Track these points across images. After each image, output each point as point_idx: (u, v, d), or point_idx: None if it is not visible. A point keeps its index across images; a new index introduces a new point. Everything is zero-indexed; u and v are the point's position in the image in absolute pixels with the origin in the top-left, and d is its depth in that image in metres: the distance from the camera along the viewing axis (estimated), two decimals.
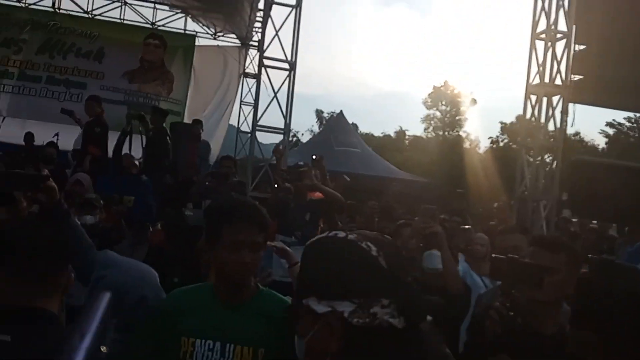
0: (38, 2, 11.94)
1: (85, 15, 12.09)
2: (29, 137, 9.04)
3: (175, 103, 11.71)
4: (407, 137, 35.69)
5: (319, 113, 36.04)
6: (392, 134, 35.82)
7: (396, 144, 32.61)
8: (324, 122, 32.35)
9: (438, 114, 34.23)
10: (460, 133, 32.67)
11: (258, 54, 8.22)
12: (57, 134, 8.80)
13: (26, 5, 11.87)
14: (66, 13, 11.98)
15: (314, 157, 4.36)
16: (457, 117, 33.29)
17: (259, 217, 1.57)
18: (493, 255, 1.90)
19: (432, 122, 34.38)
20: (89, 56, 11.47)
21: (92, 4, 12.13)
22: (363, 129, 33.30)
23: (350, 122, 17.67)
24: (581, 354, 1.07)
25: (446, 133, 32.88)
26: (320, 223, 4.14)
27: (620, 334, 0.97)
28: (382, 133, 36.64)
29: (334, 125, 13.38)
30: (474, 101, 33.53)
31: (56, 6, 11.90)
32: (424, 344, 0.93)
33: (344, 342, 0.90)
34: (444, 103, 33.77)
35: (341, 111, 13.75)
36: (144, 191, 5.12)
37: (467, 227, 4.67)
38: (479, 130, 48.54)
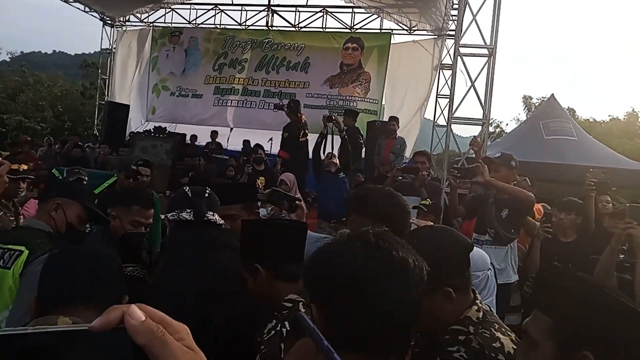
0: (255, 23, 13.67)
1: (293, 29, 13.33)
2: (246, 143, 10.49)
3: (372, 102, 12.03)
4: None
5: (526, 99, 32.93)
6: (622, 118, 30.58)
7: (627, 129, 27.74)
8: (533, 108, 29.40)
9: None
10: None
11: (454, 43, 7.86)
12: (271, 139, 9.95)
13: (246, 27, 13.68)
14: (277, 29, 13.41)
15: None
16: None
17: None
18: None
19: None
20: (297, 68, 12.63)
21: (299, 17, 13.32)
22: (582, 114, 29.26)
23: (565, 106, 15.64)
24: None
25: None
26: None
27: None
28: (609, 117, 31.59)
29: (544, 112, 11.94)
30: None
31: (269, 24, 13.43)
32: None
33: None
34: None
35: (552, 95, 12.19)
36: (340, 188, 5.34)
37: None
38: None
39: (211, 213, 1.93)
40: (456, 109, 7.43)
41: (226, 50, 13.28)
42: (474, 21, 7.46)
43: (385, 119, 9.97)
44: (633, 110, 30.26)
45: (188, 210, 1.90)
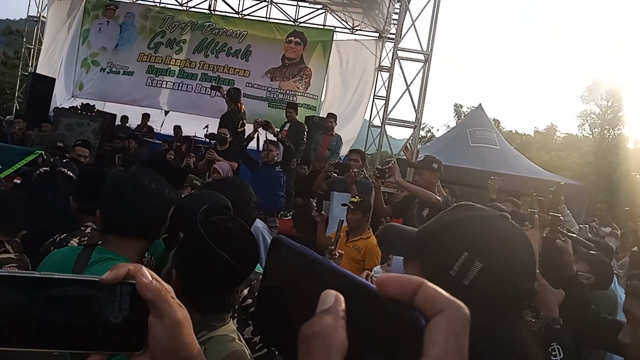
0: (197, 5, 13.28)
1: (236, 15, 13.09)
2: (177, 129, 10.27)
3: (311, 98, 12.12)
4: (557, 135, 32.46)
5: (457, 107, 34.54)
6: (541, 131, 32.87)
7: (544, 142, 29.87)
8: (463, 116, 30.90)
9: (597, 109, 30.50)
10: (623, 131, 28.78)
11: (393, 46, 8.12)
12: (207, 126, 9.74)
13: (187, 8, 13.26)
14: (220, 14, 13.12)
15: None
16: (620, 113, 29.34)
17: None
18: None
19: (588, 118, 30.75)
20: (238, 55, 12.42)
21: (243, 4, 13.11)
22: (506, 125, 31.15)
23: (491, 117, 16.55)
24: None
25: (605, 131, 29.18)
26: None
27: None
28: (534, 129, 33.82)
29: (472, 120, 12.60)
30: None
31: (212, 8, 13.11)
32: None
33: None
34: (604, 97, 29.98)
35: (480, 105, 12.88)
36: (274, 182, 5.35)
37: None
38: None
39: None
40: (391, 111, 7.67)
41: (164, 30, 12.79)
42: (412, 26, 7.72)
43: (324, 115, 10.10)
44: (552, 124, 32.68)
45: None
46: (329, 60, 12.21)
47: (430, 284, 0.31)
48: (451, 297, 0.30)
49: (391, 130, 8.35)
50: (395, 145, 8.69)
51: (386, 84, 11.94)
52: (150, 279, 0.46)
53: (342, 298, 0.32)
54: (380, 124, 11.81)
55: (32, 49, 14.00)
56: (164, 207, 1.47)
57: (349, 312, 0.32)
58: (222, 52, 12.48)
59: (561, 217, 2.02)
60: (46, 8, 13.77)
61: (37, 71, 13.14)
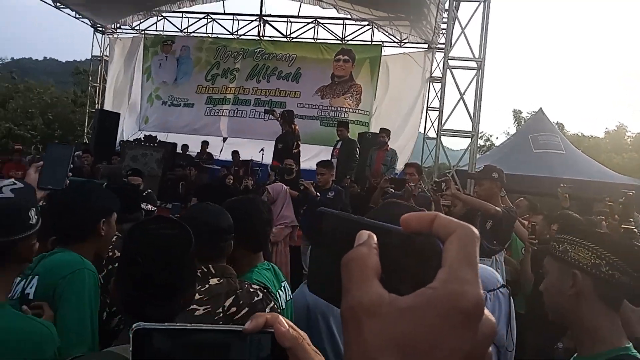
0: (247, 32, 13.73)
1: (284, 39, 13.40)
2: (235, 154, 10.61)
3: (363, 114, 12.10)
4: (627, 135, 30.41)
5: (516, 113, 33.25)
6: (611, 132, 30.96)
7: (614, 144, 28.10)
8: (523, 122, 29.67)
9: None
10: None
11: (443, 56, 7.97)
12: (262, 149, 9.94)
13: (238, 37, 13.73)
14: (269, 39, 13.48)
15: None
16: None
17: None
18: None
19: None
20: (288, 78, 12.68)
21: (290, 27, 13.41)
22: (571, 128, 29.60)
23: (554, 121, 15.80)
24: None
25: None
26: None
27: None
28: (603, 131, 31.94)
29: (533, 125, 12.07)
30: None
31: (261, 34, 13.51)
32: None
33: None
34: None
35: (540, 109, 12.33)
36: (335, 199, 5.32)
37: None
38: None
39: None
40: (445, 121, 7.50)
41: (218, 60, 13.31)
42: (462, 34, 7.56)
43: (376, 130, 10.03)
44: (621, 124, 30.71)
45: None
46: (378, 76, 12.17)
47: (443, 215, 0.36)
48: (461, 222, 0.36)
49: (447, 142, 8.17)
50: (453, 156, 8.45)
51: (439, 94, 11.75)
52: (287, 327, 0.49)
53: (374, 235, 0.38)
54: (435, 136, 11.61)
55: (97, 87, 14.96)
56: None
57: (381, 249, 0.37)
58: (273, 75, 12.79)
59: (635, 230, 1.85)
60: (108, 47, 14.72)
61: (104, 107, 14.01)
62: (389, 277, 0.36)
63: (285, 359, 0.49)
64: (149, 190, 4.74)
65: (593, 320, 1.27)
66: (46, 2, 12.81)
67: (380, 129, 8.83)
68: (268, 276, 2.01)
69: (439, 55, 11.93)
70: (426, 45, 12.46)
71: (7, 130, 29.47)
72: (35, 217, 1.37)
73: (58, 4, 12.98)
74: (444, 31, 10.82)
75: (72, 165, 2.02)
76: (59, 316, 1.58)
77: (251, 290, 1.71)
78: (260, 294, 1.72)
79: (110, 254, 2.12)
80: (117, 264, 1.39)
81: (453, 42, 7.71)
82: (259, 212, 2.08)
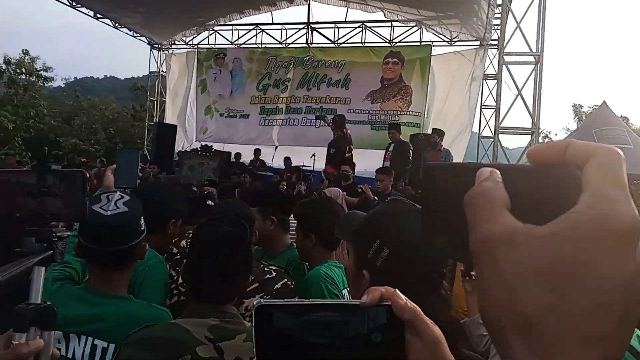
0: (295, 40, 13.92)
1: (333, 45, 13.47)
2: (287, 161, 10.72)
3: (415, 115, 11.94)
4: None
5: (576, 108, 31.70)
6: None
7: None
8: (584, 117, 28.23)
9: None
10: None
11: (498, 52, 7.72)
12: (314, 155, 10.02)
13: (286, 46, 13.95)
14: (317, 46, 13.59)
15: None
16: None
17: None
18: None
19: None
20: (338, 84, 12.76)
21: (338, 33, 13.46)
22: (637, 122, 27.87)
23: (618, 114, 14.93)
24: None
25: None
26: None
27: None
28: None
29: (596, 120, 11.44)
30: None
31: (309, 41, 13.65)
32: None
33: None
34: None
35: (604, 102, 11.69)
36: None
37: None
38: None
39: None
40: (503, 119, 7.27)
41: (270, 71, 13.59)
42: (518, 29, 7.32)
43: (429, 131, 9.86)
44: None
45: None
46: (429, 76, 11.98)
47: (577, 141, 0.32)
48: (600, 144, 0.32)
49: (504, 140, 7.88)
50: (511, 155, 8.17)
51: (493, 92, 11.41)
52: (405, 300, 0.50)
53: (497, 170, 0.34)
54: (491, 134, 11.27)
55: (155, 101, 15.63)
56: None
57: (507, 185, 0.33)
58: (323, 83, 12.90)
59: None
60: (164, 63, 15.36)
61: (162, 120, 14.62)
62: (519, 211, 0.32)
63: (401, 331, 0.49)
64: (211, 190, 4.96)
65: None
66: (106, 23, 13.56)
67: (433, 129, 8.70)
68: (338, 273, 2.10)
69: (492, 52, 11.60)
70: (478, 43, 12.13)
71: (73, 145, 31.33)
72: (143, 223, 1.59)
73: (117, 24, 13.71)
74: (496, 27, 10.51)
75: (140, 167, 2.22)
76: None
77: (265, 269, 1.94)
78: (274, 273, 1.92)
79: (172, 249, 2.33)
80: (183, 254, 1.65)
81: (507, 37, 7.48)
82: (337, 212, 2.19)
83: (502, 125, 7.33)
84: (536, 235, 0.30)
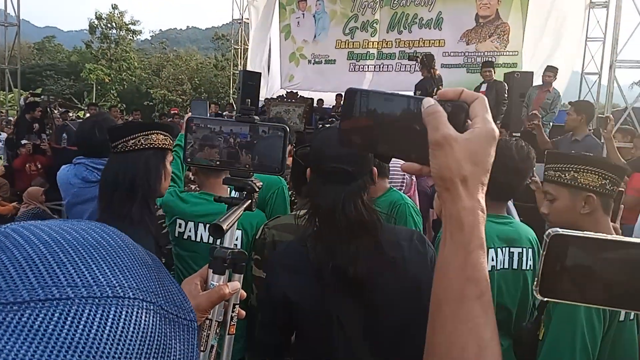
0: None
1: None
2: None
3: (512, 55, 11.15)
4: None
5: None
6: None
7: None
8: None
9: None
10: None
11: None
12: None
13: None
14: None
15: None
16: None
17: None
18: None
19: None
20: (430, 25, 12.14)
21: None
22: None
23: None
24: None
25: None
26: None
27: None
28: None
29: None
30: None
31: None
32: None
33: None
34: None
35: None
36: None
37: None
38: None
39: None
40: (621, 51, 6.52)
41: (356, 13, 13.12)
42: None
43: (527, 69, 9.15)
44: None
45: None
46: (527, 10, 10.98)
47: (468, 90, 0.62)
48: (477, 93, 0.61)
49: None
50: (628, 94, 7.37)
51: (601, 23, 10.27)
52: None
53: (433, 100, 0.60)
54: (596, 71, 10.25)
55: (239, 49, 15.79)
56: None
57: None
58: (414, 24, 12.31)
59: None
60: (247, 9, 15.29)
61: (245, 68, 14.74)
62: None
63: None
64: None
65: (601, 230, 1.52)
66: None
67: (547, 66, 7.74)
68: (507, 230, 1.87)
69: None
70: None
71: (162, 96, 32.99)
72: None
73: None
74: None
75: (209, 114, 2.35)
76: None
77: None
78: None
79: None
80: None
81: None
82: (507, 158, 1.82)
83: (618, 58, 6.58)
84: (464, 137, 0.58)
